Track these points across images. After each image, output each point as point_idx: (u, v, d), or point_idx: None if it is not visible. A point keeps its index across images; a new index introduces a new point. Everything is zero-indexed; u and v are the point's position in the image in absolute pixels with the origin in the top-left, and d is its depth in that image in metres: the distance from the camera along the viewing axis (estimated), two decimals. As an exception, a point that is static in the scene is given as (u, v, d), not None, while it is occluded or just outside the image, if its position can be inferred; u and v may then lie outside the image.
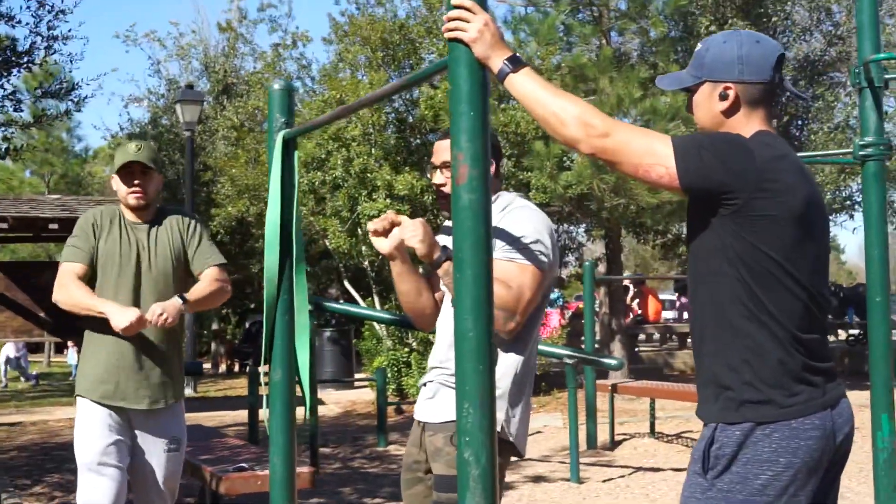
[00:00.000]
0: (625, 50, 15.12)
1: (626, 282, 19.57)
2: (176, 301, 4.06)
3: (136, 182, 4.13)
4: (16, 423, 13.43)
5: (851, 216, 18.28)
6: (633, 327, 18.23)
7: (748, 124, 2.50)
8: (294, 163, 3.22)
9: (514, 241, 2.99)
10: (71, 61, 11.93)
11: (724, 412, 2.38)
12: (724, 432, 2.37)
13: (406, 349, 14.42)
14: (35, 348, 28.40)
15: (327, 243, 15.09)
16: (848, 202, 17.66)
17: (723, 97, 2.51)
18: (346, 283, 15.14)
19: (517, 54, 2.34)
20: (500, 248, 2.95)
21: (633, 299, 19.64)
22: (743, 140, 2.41)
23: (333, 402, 14.89)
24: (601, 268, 16.48)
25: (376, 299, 15.50)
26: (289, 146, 3.19)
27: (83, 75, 43.51)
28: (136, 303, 4.07)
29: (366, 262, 14.88)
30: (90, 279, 4.11)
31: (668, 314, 25.00)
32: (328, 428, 11.60)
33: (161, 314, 3.97)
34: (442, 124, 11.96)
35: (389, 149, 14.04)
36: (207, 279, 4.21)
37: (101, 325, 4.01)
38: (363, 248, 14.36)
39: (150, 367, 4.08)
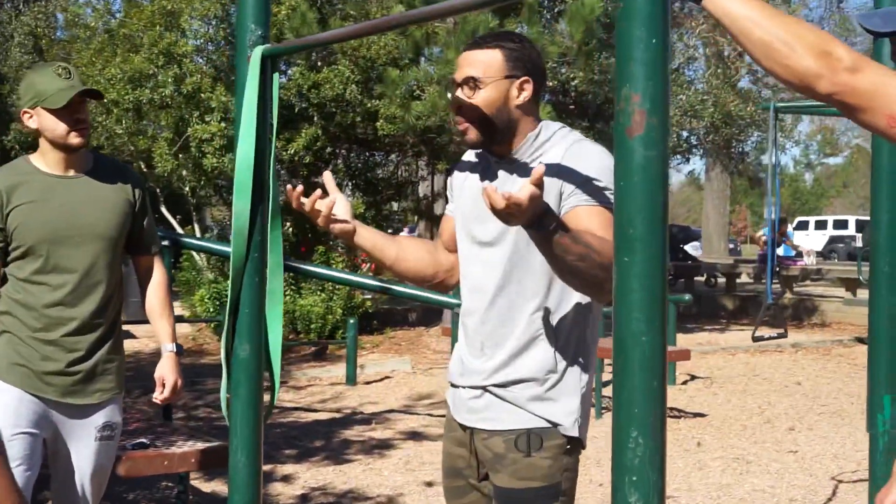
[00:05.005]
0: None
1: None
2: (172, 357, 3.44)
3: (79, 117, 3.15)
4: None
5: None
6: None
7: None
8: (275, 89, 2.54)
9: (588, 182, 2.34)
10: None
11: None
12: None
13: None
14: None
15: (142, 165, 14.03)
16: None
17: None
18: (163, 209, 14.13)
19: None
20: (578, 192, 2.33)
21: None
22: None
23: (144, 334, 13.55)
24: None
25: (196, 227, 14.58)
26: (266, 67, 2.49)
27: None
28: (82, 285, 3.18)
29: (186, 188, 13.88)
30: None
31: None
32: (147, 364, 10.66)
33: (174, 386, 3.39)
34: (284, 39, 11.04)
35: (224, 67, 13.03)
36: (160, 281, 3.49)
37: (25, 296, 3.15)
38: (183, 172, 13.34)
39: (81, 355, 3.18)
